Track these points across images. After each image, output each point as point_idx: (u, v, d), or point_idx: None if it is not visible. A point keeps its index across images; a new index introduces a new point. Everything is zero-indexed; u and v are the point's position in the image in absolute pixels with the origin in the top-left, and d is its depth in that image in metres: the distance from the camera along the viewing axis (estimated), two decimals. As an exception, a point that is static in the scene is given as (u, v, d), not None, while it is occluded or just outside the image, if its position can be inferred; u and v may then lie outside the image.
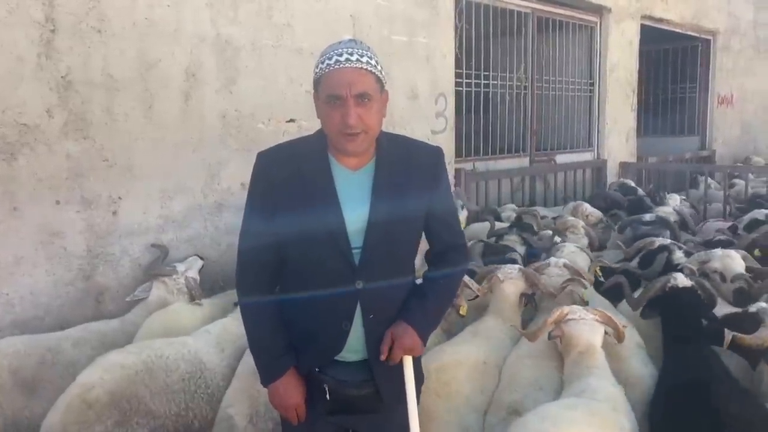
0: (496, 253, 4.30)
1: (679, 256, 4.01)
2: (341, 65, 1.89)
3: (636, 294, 3.37)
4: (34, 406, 2.91)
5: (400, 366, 2.01)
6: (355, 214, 1.96)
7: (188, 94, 4.09)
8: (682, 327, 3.00)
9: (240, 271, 2.08)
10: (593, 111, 8.21)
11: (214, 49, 4.19)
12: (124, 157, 3.82)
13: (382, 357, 1.98)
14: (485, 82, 6.75)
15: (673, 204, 6.11)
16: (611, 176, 8.27)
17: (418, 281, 2.15)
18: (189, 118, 4.11)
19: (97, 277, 3.79)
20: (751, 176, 7.86)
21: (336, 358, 2.03)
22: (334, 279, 1.97)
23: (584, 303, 3.35)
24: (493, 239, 4.75)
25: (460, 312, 3.25)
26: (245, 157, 4.31)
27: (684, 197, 6.96)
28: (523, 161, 7.29)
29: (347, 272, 1.97)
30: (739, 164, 9.74)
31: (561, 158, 7.77)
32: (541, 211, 6.05)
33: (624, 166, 8.46)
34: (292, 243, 1.99)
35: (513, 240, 4.66)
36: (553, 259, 3.85)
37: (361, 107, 1.89)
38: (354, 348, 2.03)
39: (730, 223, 5.28)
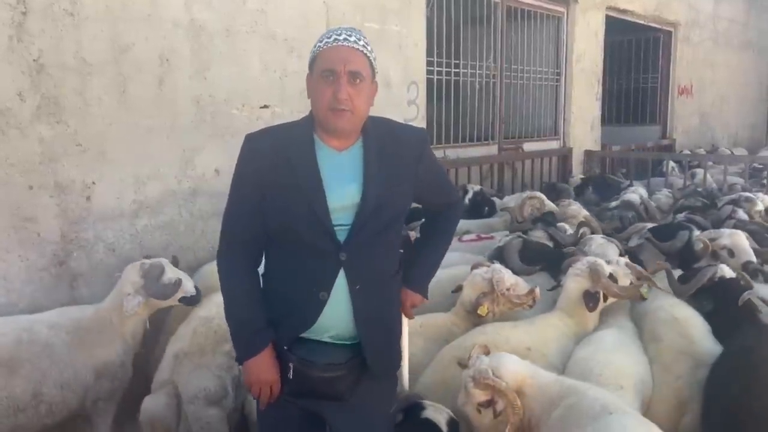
0: (535, 251, 4.04)
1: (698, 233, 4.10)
2: (339, 43, 1.99)
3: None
4: (14, 386, 2.91)
5: (387, 341, 2.16)
6: (341, 192, 2.00)
7: (162, 79, 4.07)
8: (737, 313, 3.07)
9: (224, 247, 2.10)
10: (559, 100, 8.36)
11: (188, 34, 4.17)
12: (97, 141, 3.79)
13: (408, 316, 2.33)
14: (455, 70, 6.83)
15: (641, 193, 6.15)
16: (576, 164, 8.47)
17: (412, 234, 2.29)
18: (163, 103, 4.09)
19: (71, 263, 3.76)
20: (710, 163, 8.12)
21: (309, 337, 2.03)
22: (314, 252, 2.00)
23: (643, 299, 3.34)
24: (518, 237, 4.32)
25: (479, 312, 3.18)
26: (219, 143, 4.30)
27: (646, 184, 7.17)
28: (492, 149, 7.40)
29: (330, 247, 1.99)
30: (700, 152, 10.02)
31: (528, 146, 7.91)
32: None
33: (588, 154, 8.66)
34: (276, 221, 2.02)
35: (539, 236, 4.39)
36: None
37: (352, 87, 1.96)
38: (329, 325, 2.03)
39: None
